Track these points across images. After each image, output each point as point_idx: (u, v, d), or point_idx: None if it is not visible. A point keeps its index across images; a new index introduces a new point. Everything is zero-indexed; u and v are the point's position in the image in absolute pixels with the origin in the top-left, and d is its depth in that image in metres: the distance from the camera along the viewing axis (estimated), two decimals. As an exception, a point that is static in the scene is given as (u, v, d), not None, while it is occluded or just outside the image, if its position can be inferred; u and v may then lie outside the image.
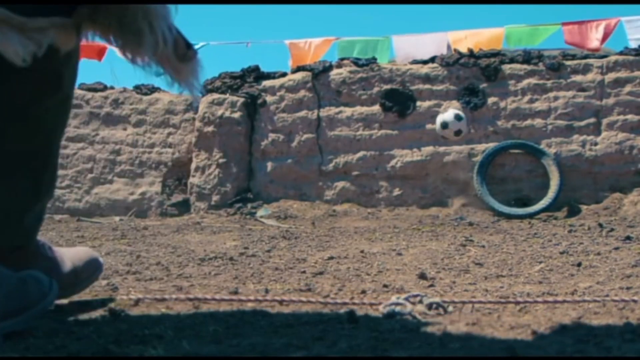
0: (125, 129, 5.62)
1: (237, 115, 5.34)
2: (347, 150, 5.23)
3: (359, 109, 5.28)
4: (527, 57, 5.22)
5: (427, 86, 5.22)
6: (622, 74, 5.05)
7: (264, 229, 4.07)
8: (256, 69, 5.58)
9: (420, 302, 1.56)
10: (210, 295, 1.75)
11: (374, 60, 5.47)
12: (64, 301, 1.64)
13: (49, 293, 1.38)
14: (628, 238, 3.08)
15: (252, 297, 1.70)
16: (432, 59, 5.36)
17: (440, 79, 5.22)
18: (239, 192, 5.25)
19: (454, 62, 5.25)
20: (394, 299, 1.61)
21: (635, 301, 1.61)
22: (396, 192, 5.13)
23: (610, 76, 5.06)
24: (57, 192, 5.45)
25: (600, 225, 3.77)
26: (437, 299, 1.59)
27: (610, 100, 5.02)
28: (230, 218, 4.87)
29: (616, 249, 2.73)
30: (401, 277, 2.13)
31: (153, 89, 5.78)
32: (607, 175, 4.93)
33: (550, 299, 1.69)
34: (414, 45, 5.85)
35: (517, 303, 1.65)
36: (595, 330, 1.28)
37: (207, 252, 2.78)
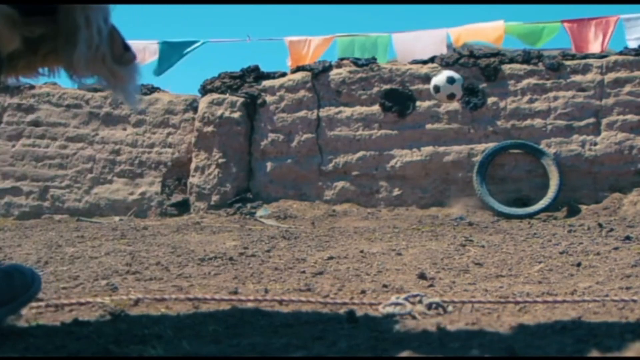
0: (125, 129, 5.62)
1: (236, 115, 5.34)
2: (347, 150, 5.23)
3: (359, 109, 5.28)
4: (527, 57, 5.22)
5: (427, 86, 5.21)
6: (622, 74, 5.05)
7: (263, 229, 4.07)
8: (256, 69, 5.58)
9: (420, 302, 1.57)
10: (210, 295, 1.75)
11: (373, 60, 5.47)
12: (64, 301, 1.64)
13: (32, 284, 1.43)
14: (628, 238, 3.08)
15: (251, 297, 1.70)
16: (432, 59, 5.36)
17: (440, 79, 5.22)
18: (238, 192, 5.25)
19: (453, 62, 5.25)
20: (393, 298, 1.61)
21: (634, 301, 1.62)
22: (396, 192, 5.13)
23: (610, 76, 5.06)
24: (57, 192, 5.45)
25: (600, 225, 3.77)
26: (436, 299, 1.59)
27: (610, 100, 5.02)
28: (230, 218, 4.87)
29: (616, 249, 2.73)
30: (401, 277, 2.13)
31: (153, 89, 5.79)
32: (606, 175, 4.93)
33: (550, 298, 1.69)
34: (414, 42, 5.82)
35: (517, 303, 1.65)
36: (595, 330, 1.28)
37: (206, 252, 2.78)
